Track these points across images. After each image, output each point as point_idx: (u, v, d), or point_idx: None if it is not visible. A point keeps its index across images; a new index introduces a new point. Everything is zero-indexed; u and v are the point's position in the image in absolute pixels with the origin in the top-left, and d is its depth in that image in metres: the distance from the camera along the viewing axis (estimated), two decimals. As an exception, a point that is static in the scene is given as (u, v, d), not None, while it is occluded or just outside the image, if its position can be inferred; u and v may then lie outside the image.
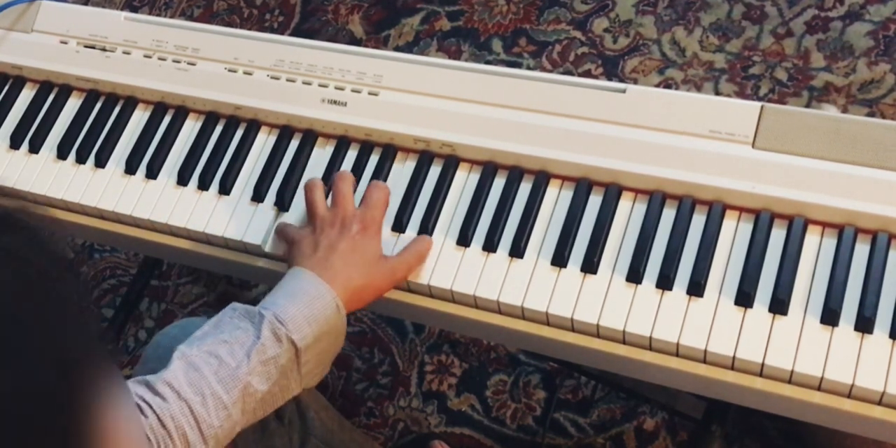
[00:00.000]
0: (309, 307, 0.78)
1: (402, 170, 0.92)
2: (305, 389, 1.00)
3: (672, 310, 0.79)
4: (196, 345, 0.76)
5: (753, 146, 0.82)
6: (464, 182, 0.89)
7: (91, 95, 1.05)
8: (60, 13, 1.08)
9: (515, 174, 0.88)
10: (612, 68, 1.60)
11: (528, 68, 1.63)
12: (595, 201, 0.85)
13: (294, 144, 0.96)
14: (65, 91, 1.06)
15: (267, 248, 0.90)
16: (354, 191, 0.88)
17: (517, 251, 0.84)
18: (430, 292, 0.86)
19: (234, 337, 0.76)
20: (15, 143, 1.04)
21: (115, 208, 0.97)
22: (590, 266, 0.82)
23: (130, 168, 0.99)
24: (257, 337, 0.75)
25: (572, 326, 0.81)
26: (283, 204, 0.93)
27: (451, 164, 0.90)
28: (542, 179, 0.87)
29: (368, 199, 0.86)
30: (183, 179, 0.97)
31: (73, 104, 1.05)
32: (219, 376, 0.74)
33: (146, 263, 1.61)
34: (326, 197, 0.88)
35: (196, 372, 0.74)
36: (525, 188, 0.87)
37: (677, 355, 0.79)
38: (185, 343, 0.78)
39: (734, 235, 0.81)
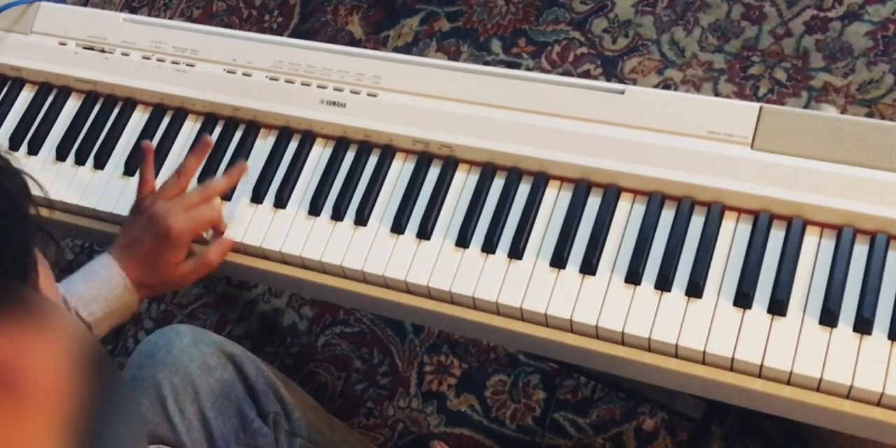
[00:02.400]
0: (98, 288, 0.87)
1: (400, 171, 0.92)
2: (292, 391, 1.00)
3: (671, 311, 0.79)
4: None
5: (752, 147, 0.82)
6: (463, 183, 0.89)
7: (90, 97, 1.05)
8: (59, 14, 1.07)
9: (514, 175, 0.88)
10: (611, 69, 1.60)
11: (528, 69, 1.63)
12: (594, 202, 0.85)
13: (293, 145, 0.96)
14: (64, 92, 1.06)
15: (265, 247, 0.90)
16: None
17: (516, 252, 0.84)
18: (429, 293, 0.86)
19: None
20: (14, 144, 1.04)
21: (112, 210, 0.97)
22: (589, 267, 0.82)
23: (129, 170, 0.99)
24: None
25: (571, 328, 0.81)
26: (281, 205, 0.93)
27: (450, 165, 0.90)
28: (540, 180, 0.87)
29: (193, 213, 0.90)
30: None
31: (71, 105, 1.05)
32: None
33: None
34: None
35: None
36: (524, 189, 0.87)
37: (676, 357, 0.79)
38: None
39: (733, 236, 0.81)
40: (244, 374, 0.95)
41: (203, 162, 0.95)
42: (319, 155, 0.95)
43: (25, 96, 1.07)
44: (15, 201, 0.51)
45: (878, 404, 0.73)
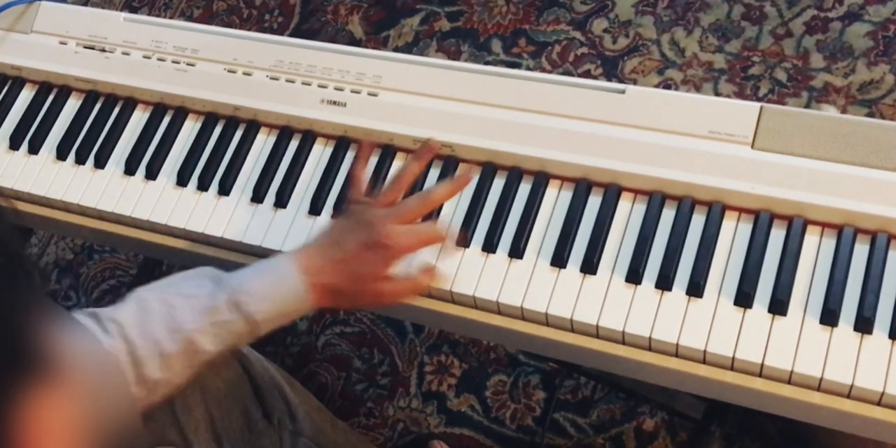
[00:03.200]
0: (274, 287, 0.77)
1: (401, 170, 0.91)
2: (296, 390, 1.00)
3: (671, 310, 0.79)
4: (157, 291, 0.77)
5: (753, 147, 0.82)
6: (463, 183, 0.89)
7: (90, 96, 1.05)
8: (59, 14, 1.07)
9: (515, 175, 0.88)
10: (611, 69, 1.60)
11: (528, 69, 1.63)
12: (594, 202, 0.85)
13: (293, 145, 0.96)
14: (64, 92, 1.06)
15: (266, 246, 0.90)
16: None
17: (517, 252, 0.84)
18: (429, 293, 0.86)
19: (193, 293, 0.76)
20: (14, 143, 1.04)
21: (114, 209, 0.97)
22: (589, 266, 0.82)
23: (130, 169, 0.99)
24: (214, 298, 0.76)
25: (572, 327, 0.81)
26: (282, 204, 0.93)
27: (451, 164, 0.90)
28: (541, 180, 0.87)
29: (416, 227, 0.82)
30: (182, 180, 0.97)
31: (72, 105, 1.05)
32: (167, 325, 0.74)
33: (146, 264, 1.61)
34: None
35: (146, 315, 0.75)
36: (524, 189, 0.87)
37: (677, 356, 0.79)
38: (146, 287, 0.78)
39: (733, 236, 0.81)
40: (250, 374, 0.95)
41: (425, 167, 0.88)
42: (320, 154, 0.95)
43: (26, 96, 1.07)
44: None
45: (879, 404, 0.73)
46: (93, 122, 1.03)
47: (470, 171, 0.88)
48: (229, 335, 0.76)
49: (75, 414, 0.45)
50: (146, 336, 0.74)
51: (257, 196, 0.94)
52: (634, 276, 0.81)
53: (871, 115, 1.44)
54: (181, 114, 1.01)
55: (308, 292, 0.78)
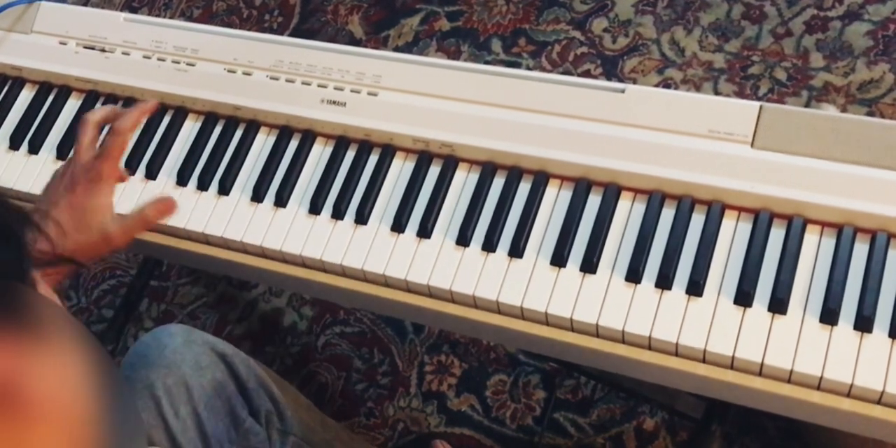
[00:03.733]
0: None
1: (401, 170, 0.92)
2: (284, 390, 1.00)
3: (671, 309, 0.79)
4: None
5: (752, 146, 0.82)
6: (463, 182, 0.89)
7: (90, 96, 1.05)
8: (59, 14, 1.08)
9: (514, 174, 0.88)
10: (611, 68, 1.60)
11: (528, 68, 1.63)
12: (594, 201, 0.85)
13: (293, 144, 0.96)
14: (64, 92, 1.06)
15: (265, 246, 0.90)
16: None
17: (516, 251, 0.84)
18: (429, 292, 0.86)
19: None
20: (14, 143, 1.04)
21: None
22: (589, 266, 0.82)
23: (129, 169, 0.99)
24: None
25: (572, 326, 0.81)
26: (282, 203, 0.93)
27: (451, 164, 0.90)
28: (541, 179, 0.87)
29: (101, 148, 0.86)
30: (182, 180, 0.97)
31: (72, 105, 1.05)
32: None
33: (146, 264, 1.61)
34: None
35: None
36: (524, 188, 0.87)
37: (676, 355, 0.79)
38: None
39: (733, 235, 0.81)
40: (235, 373, 0.95)
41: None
42: (320, 154, 0.95)
43: (26, 96, 1.07)
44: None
45: (879, 402, 0.73)
46: (93, 121, 1.03)
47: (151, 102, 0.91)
48: None
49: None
50: None
51: (257, 195, 0.94)
52: (634, 276, 0.81)
53: (870, 114, 1.44)
54: (181, 113, 1.01)
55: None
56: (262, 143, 0.97)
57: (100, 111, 0.89)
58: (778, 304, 0.77)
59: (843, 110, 1.44)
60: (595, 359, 0.82)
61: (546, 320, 0.82)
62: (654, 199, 0.84)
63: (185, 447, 0.89)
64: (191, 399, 0.90)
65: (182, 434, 0.89)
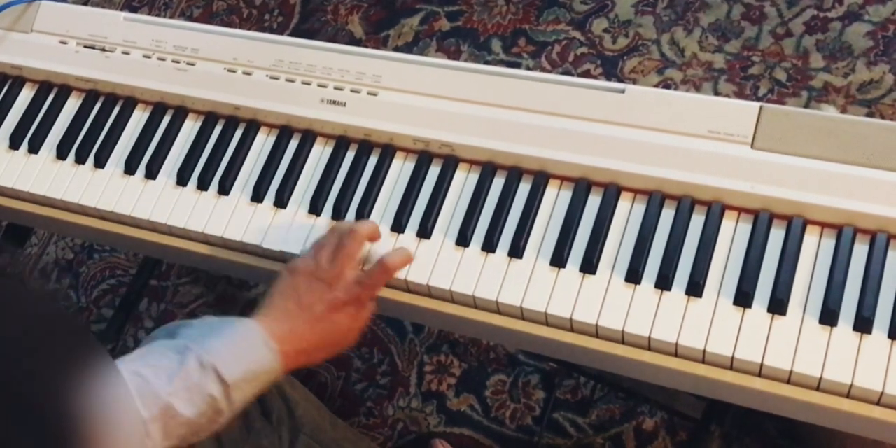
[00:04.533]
0: (243, 352, 0.77)
1: (401, 170, 0.92)
2: (295, 388, 1.00)
3: (671, 310, 0.79)
4: (123, 364, 0.75)
5: (752, 146, 0.82)
6: (463, 182, 0.89)
7: (90, 95, 1.05)
8: (60, 13, 1.07)
9: (514, 174, 0.88)
10: (611, 68, 1.60)
11: (528, 68, 1.63)
12: (594, 201, 0.85)
13: (293, 144, 0.96)
14: (64, 91, 1.06)
15: (265, 246, 0.90)
16: (377, 237, 0.87)
17: (516, 251, 0.84)
18: (429, 292, 0.86)
19: (159, 363, 0.75)
20: (14, 143, 1.04)
21: (114, 208, 0.97)
22: (589, 266, 0.82)
23: (130, 168, 0.99)
24: (181, 363, 0.75)
25: (571, 327, 0.81)
26: (282, 204, 0.93)
27: (451, 164, 0.90)
28: (541, 180, 0.87)
29: (371, 276, 0.83)
30: (182, 180, 0.97)
31: (72, 104, 1.05)
32: (140, 393, 0.72)
33: (146, 263, 1.61)
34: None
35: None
36: (524, 188, 0.87)
37: (676, 355, 0.79)
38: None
39: (733, 235, 0.81)
40: None
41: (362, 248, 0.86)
42: (320, 154, 0.95)
43: (26, 95, 1.07)
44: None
45: (878, 403, 0.73)
46: (93, 121, 1.03)
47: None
48: (202, 398, 0.75)
49: None
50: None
51: (257, 195, 0.94)
52: (634, 276, 0.81)
53: (870, 114, 1.44)
54: (181, 113, 1.01)
55: (278, 358, 0.78)
56: (262, 143, 0.97)
57: (369, 227, 0.85)
58: (777, 305, 0.77)
59: (843, 111, 1.44)
60: (595, 359, 0.82)
61: (546, 320, 0.82)
62: (654, 200, 0.84)
63: (198, 446, 0.89)
64: None
65: None
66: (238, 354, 0.77)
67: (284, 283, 0.84)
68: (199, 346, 0.76)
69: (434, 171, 0.90)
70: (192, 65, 1.00)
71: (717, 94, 1.52)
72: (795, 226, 0.80)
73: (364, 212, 0.90)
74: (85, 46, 1.05)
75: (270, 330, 0.79)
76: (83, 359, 0.47)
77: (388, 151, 0.92)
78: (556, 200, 0.86)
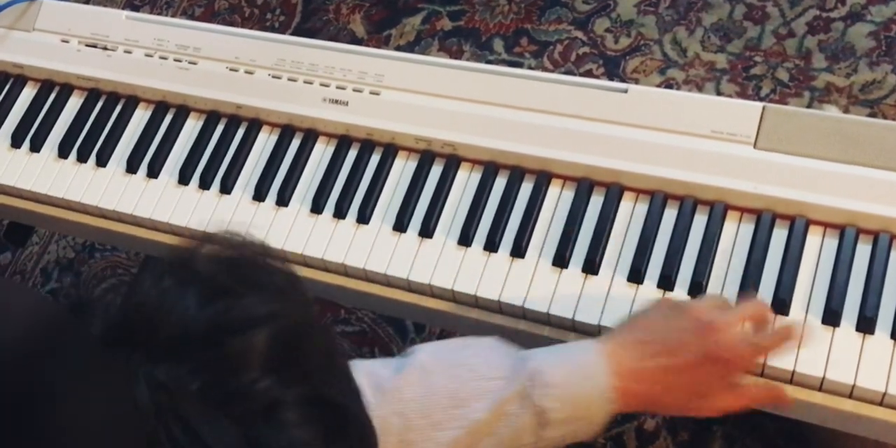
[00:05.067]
0: (577, 383, 0.65)
1: (403, 169, 0.92)
2: None
3: (673, 310, 0.79)
4: (445, 362, 0.66)
5: (755, 146, 0.82)
6: (465, 182, 0.89)
7: (92, 94, 1.05)
8: (62, 12, 1.07)
9: (517, 174, 0.88)
10: (613, 68, 1.60)
11: (530, 68, 1.62)
12: (596, 201, 0.85)
13: (295, 143, 0.96)
14: (66, 90, 1.06)
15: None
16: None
17: (518, 251, 0.84)
18: (431, 292, 0.86)
19: (485, 374, 0.65)
20: (16, 141, 1.04)
21: (116, 207, 0.97)
22: (591, 266, 0.82)
23: (132, 167, 0.99)
24: (508, 385, 0.64)
25: (573, 327, 0.81)
26: (284, 203, 0.93)
27: (453, 163, 0.90)
28: (543, 179, 0.87)
29: (766, 338, 0.71)
30: (184, 179, 0.97)
31: (74, 103, 1.05)
32: (449, 407, 0.64)
33: (147, 262, 1.60)
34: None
35: (430, 391, 0.64)
36: (526, 188, 0.87)
37: (678, 355, 0.78)
38: (430, 351, 0.68)
39: (735, 236, 0.81)
40: None
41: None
42: (322, 153, 0.95)
43: (28, 94, 1.07)
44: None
45: (881, 404, 0.73)
46: (94, 120, 1.03)
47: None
48: (508, 430, 0.64)
49: None
50: (426, 416, 0.63)
51: (259, 195, 0.94)
52: (636, 276, 0.81)
53: (873, 115, 1.43)
54: (183, 112, 1.01)
55: (614, 398, 0.66)
56: (264, 142, 0.97)
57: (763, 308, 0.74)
58: (780, 306, 0.77)
59: (846, 111, 1.44)
60: (596, 359, 0.82)
61: (548, 320, 0.82)
62: (657, 200, 0.83)
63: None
64: None
65: None
66: (572, 392, 0.65)
67: (654, 313, 0.71)
68: (534, 361, 0.66)
69: (436, 171, 0.90)
70: (194, 64, 1.00)
71: (719, 94, 1.52)
72: (798, 226, 0.79)
73: (366, 211, 0.90)
74: (87, 45, 1.05)
75: (618, 365, 0.66)
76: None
77: (391, 151, 0.92)
78: (558, 200, 0.86)
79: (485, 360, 0.67)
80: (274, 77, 0.97)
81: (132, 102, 1.03)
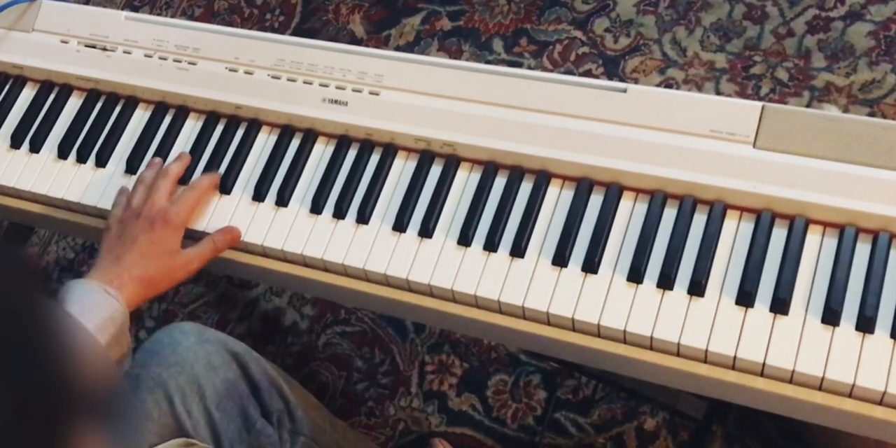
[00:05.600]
0: (98, 318, 0.82)
1: (402, 169, 0.92)
2: (294, 389, 1.00)
3: (673, 309, 0.79)
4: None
5: (754, 146, 0.82)
6: (465, 182, 0.89)
7: (92, 95, 1.05)
8: (61, 13, 1.07)
9: (516, 174, 0.88)
10: (612, 68, 1.60)
11: (529, 68, 1.62)
12: (596, 201, 0.85)
13: (295, 144, 0.96)
14: (65, 91, 1.06)
15: (266, 245, 0.90)
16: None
17: (518, 251, 0.84)
18: (430, 292, 0.86)
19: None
20: (16, 142, 1.04)
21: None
22: (591, 266, 0.82)
23: (131, 168, 0.99)
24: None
25: (573, 326, 0.81)
26: (283, 203, 0.93)
27: (452, 163, 0.90)
28: (542, 179, 0.87)
29: (181, 197, 0.91)
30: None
31: (73, 104, 1.05)
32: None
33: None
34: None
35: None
36: (526, 188, 0.87)
37: (678, 355, 0.79)
38: None
39: (735, 235, 0.81)
40: (248, 373, 0.95)
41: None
42: (321, 153, 0.95)
43: (27, 94, 1.07)
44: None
45: (881, 403, 0.73)
46: (94, 120, 1.03)
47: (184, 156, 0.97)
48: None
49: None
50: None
51: (258, 195, 0.94)
52: (636, 276, 0.81)
53: (872, 114, 1.43)
54: (182, 113, 1.01)
55: (118, 295, 0.85)
56: (264, 143, 0.97)
57: (177, 165, 0.95)
58: (780, 305, 0.77)
59: (845, 111, 1.44)
60: (596, 359, 0.82)
61: (548, 320, 0.82)
62: (656, 199, 0.83)
63: (197, 446, 0.89)
64: (203, 398, 0.90)
65: (194, 433, 0.89)
66: (99, 325, 0.82)
67: (106, 234, 0.91)
68: None
69: (436, 171, 0.90)
70: (194, 64, 1.00)
71: (718, 93, 1.52)
72: (797, 225, 0.79)
73: (365, 211, 0.90)
74: (86, 46, 1.05)
75: (102, 276, 0.86)
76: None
77: (390, 151, 0.92)
78: (557, 200, 0.86)
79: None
80: (273, 77, 0.97)
81: (132, 103, 1.03)
